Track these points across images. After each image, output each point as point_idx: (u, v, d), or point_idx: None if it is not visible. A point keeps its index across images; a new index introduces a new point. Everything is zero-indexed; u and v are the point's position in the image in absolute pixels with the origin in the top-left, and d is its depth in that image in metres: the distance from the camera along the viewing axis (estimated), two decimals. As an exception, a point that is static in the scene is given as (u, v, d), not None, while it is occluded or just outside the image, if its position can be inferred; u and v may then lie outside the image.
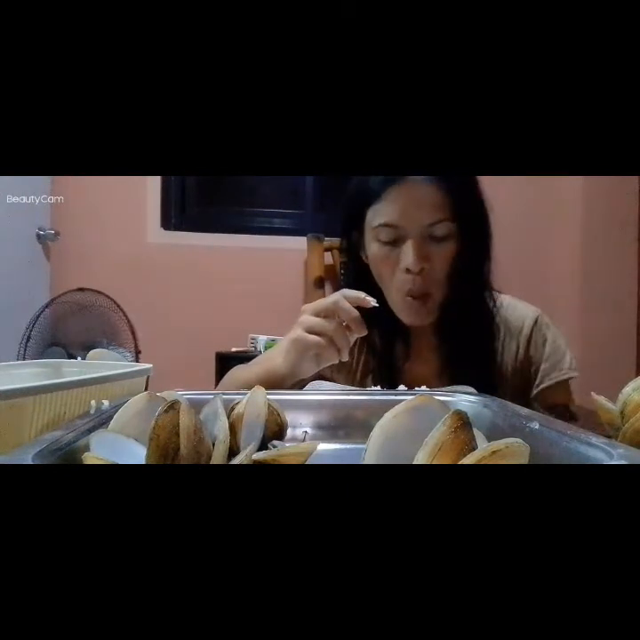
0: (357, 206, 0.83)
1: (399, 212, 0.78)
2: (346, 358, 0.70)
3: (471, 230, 0.81)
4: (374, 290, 0.84)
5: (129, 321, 1.84)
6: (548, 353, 0.87)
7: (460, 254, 0.80)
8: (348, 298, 0.70)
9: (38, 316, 1.78)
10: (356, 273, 0.89)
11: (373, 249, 0.82)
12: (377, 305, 0.71)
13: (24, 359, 1.70)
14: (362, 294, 0.70)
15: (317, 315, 0.70)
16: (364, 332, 0.70)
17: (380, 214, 0.79)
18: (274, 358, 0.77)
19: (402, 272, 0.79)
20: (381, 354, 0.89)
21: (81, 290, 1.84)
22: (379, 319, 0.87)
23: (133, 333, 1.84)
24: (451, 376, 0.81)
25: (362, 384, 0.89)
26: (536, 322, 0.88)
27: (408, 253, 0.78)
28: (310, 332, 0.70)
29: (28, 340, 1.74)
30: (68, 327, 1.81)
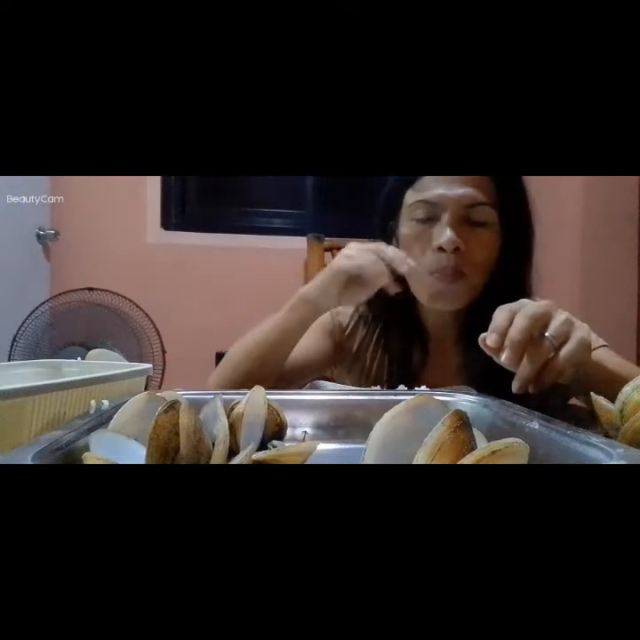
0: (397, 188, 0.81)
1: (438, 189, 0.75)
2: (391, 289, 0.72)
3: (514, 226, 0.77)
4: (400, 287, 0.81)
5: (152, 321, 1.85)
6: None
7: (502, 249, 0.77)
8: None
9: (29, 317, 1.77)
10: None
11: (406, 228, 0.79)
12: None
13: (9, 359, 1.69)
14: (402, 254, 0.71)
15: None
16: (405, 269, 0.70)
17: (417, 192, 0.77)
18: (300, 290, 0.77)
19: (433, 251, 0.75)
20: (398, 359, 0.85)
21: (90, 289, 1.84)
22: (399, 320, 0.84)
23: (158, 333, 1.85)
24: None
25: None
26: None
27: (442, 231, 0.74)
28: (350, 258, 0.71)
29: (14, 341, 1.73)
30: (88, 327, 1.80)
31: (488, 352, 0.55)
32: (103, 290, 1.84)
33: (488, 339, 0.55)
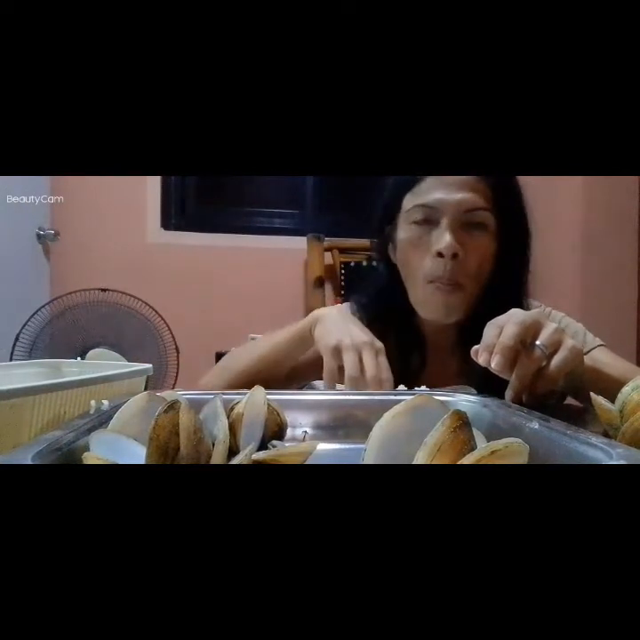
0: (396, 192, 0.80)
1: (436, 194, 0.75)
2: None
3: (511, 230, 0.77)
4: (397, 293, 0.81)
5: (166, 322, 1.86)
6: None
7: (498, 254, 0.77)
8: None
9: (31, 318, 1.77)
10: (381, 275, 0.86)
11: (404, 232, 0.79)
12: None
13: (11, 359, 1.69)
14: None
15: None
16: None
17: (416, 196, 0.77)
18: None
19: (432, 257, 0.74)
20: (394, 366, 0.83)
21: (104, 290, 1.84)
22: (397, 327, 0.83)
23: (171, 333, 1.87)
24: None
25: None
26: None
27: (442, 235, 0.73)
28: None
29: (16, 340, 1.73)
30: (115, 328, 1.81)
31: (480, 363, 0.56)
32: (117, 291, 1.85)
33: (479, 356, 0.55)
